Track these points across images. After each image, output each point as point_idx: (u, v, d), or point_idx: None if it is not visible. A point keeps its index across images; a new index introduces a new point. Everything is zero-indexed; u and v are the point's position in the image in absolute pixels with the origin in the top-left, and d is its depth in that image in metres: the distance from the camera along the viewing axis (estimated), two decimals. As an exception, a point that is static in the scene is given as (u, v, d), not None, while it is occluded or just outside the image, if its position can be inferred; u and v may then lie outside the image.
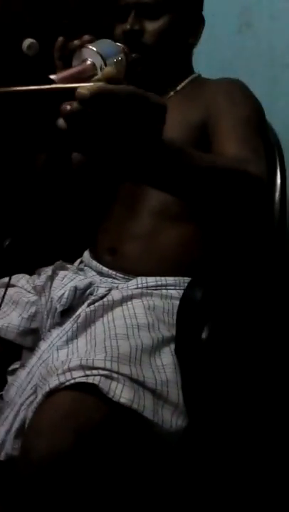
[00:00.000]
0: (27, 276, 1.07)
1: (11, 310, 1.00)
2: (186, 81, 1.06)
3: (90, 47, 0.76)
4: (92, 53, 0.75)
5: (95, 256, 1.08)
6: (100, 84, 0.48)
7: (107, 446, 0.77)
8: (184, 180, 0.64)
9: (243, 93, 1.00)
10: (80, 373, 0.77)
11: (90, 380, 0.76)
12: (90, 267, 1.07)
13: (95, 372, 0.78)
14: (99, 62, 0.74)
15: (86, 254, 1.12)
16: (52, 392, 0.78)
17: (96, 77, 0.72)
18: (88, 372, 0.77)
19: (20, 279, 1.06)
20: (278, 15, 1.24)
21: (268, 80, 1.26)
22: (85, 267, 1.09)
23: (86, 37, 0.79)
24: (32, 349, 0.97)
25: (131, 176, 0.57)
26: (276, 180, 1.07)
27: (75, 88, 0.48)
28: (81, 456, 0.73)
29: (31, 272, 1.10)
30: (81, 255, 1.15)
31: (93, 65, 0.74)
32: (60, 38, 0.84)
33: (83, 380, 0.76)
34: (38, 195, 1.10)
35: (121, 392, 0.77)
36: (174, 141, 0.60)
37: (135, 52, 0.96)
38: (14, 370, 0.98)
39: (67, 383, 0.77)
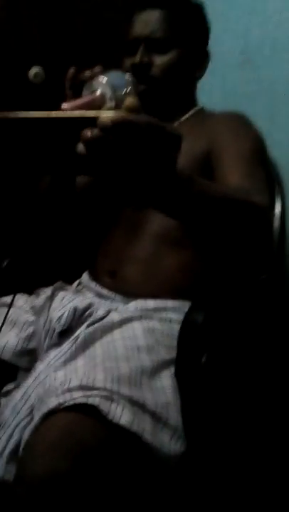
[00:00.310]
0: (25, 296, 1.07)
1: (8, 329, 0.99)
2: (190, 113, 1.09)
3: (101, 78, 0.79)
4: (102, 84, 0.77)
5: (95, 277, 1.08)
6: (121, 113, 0.50)
7: (105, 468, 0.75)
8: (192, 207, 0.65)
9: (246, 126, 1.02)
10: (80, 394, 0.77)
11: (90, 401, 0.75)
12: (89, 289, 1.07)
13: (95, 392, 0.77)
14: (109, 93, 0.76)
15: (85, 275, 1.12)
16: (51, 413, 0.76)
17: (114, 107, 0.74)
18: (88, 393, 0.77)
19: (19, 299, 1.05)
20: (279, 52, 1.29)
21: (268, 114, 1.30)
22: (84, 289, 1.09)
23: (97, 68, 0.82)
24: (28, 370, 0.96)
25: (142, 200, 0.58)
26: (276, 210, 1.09)
27: (96, 116, 0.50)
28: (78, 478, 0.72)
29: (29, 291, 1.09)
30: (79, 276, 1.15)
31: (103, 95, 0.76)
32: (72, 69, 0.86)
33: (83, 400, 0.76)
34: (39, 217, 1.11)
35: (121, 414, 0.76)
36: (184, 170, 0.61)
37: (143, 84, 1.00)
38: (8, 392, 0.97)
39: (67, 404, 0.76)
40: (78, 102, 0.71)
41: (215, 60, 1.11)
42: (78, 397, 0.76)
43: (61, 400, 0.76)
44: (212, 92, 1.15)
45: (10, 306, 0.94)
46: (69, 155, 0.52)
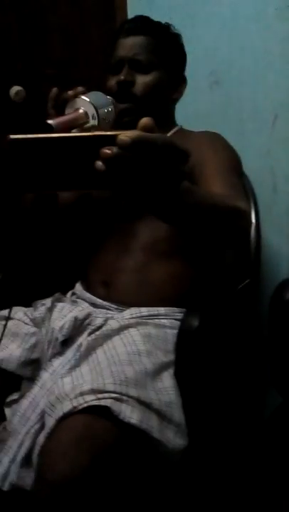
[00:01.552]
0: (24, 309, 1.11)
1: (10, 342, 1.03)
2: (171, 132, 1.17)
3: (84, 97, 0.84)
4: (85, 103, 0.83)
5: (88, 288, 1.14)
6: (138, 132, 0.55)
7: (119, 464, 0.82)
8: (190, 212, 0.70)
9: (223, 143, 1.12)
10: (92, 397, 0.83)
11: (102, 402, 0.82)
12: (84, 299, 1.13)
13: (106, 395, 0.83)
14: (91, 111, 0.82)
15: (78, 286, 1.18)
16: (65, 417, 0.82)
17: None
18: (100, 396, 0.83)
19: (17, 312, 1.09)
20: (245, 73, 1.40)
21: (237, 130, 1.40)
22: (78, 299, 1.15)
23: (80, 88, 0.87)
24: (31, 379, 1.01)
25: (151, 207, 0.62)
26: (252, 219, 1.19)
27: (113, 135, 0.54)
28: (97, 475, 0.78)
29: (25, 304, 1.14)
30: (70, 287, 1.21)
31: (86, 113, 0.82)
32: (55, 89, 0.92)
33: (95, 403, 0.82)
34: (25, 233, 1.15)
35: (131, 414, 0.82)
36: (185, 182, 0.68)
37: (126, 102, 1.07)
38: (12, 402, 1.01)
39: (80, 407, 0.82)
40: (62, 118, 0.76)
41: (188, 80, 1.20)
42: (91, 400, 0.82)
43: (75, 404, 0.82)
44: (186, 111, 1.23)
45: (7, 319, 0.99)
46: (86, 171, 0.55)
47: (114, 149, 0.53)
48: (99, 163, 0.54)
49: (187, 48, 1.20)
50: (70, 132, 0.79)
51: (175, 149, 0.57)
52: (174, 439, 0.88)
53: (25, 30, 1.48)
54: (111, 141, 0.53)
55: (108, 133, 0.54)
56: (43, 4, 1.52)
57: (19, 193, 0.99)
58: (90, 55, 1.58)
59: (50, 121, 0.76)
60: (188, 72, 1.20)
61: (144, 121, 0.56)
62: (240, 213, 0.87)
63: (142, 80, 1.09)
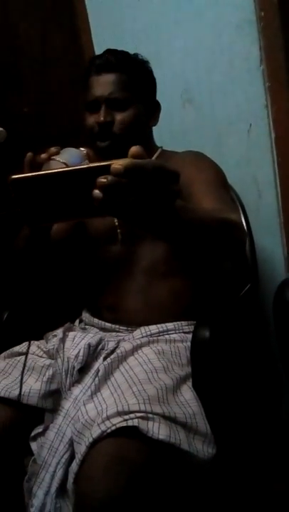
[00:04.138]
0: (36, 342, 1.13)
1: (28, 376, 1.05)
2: (155, 155, 1.22)
3: (57, 158, 0.87)
4: (59, 164, 0.86)
5: (95, 314, 1.17)
6: (130, 160, 0.58)
7: (153, 481, 0.84)
8: (186, 228, 0.74)
9: (206, 161, 1.17)
10: (119, 419, 0.85)
11: (130, 423, 0.84)
12: (92, 325, 1.16)
13: (132, 415, 0.85)
14: None
15: (85, 313, 1.21)
16: (95, 442, 0.84)
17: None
18: (126, 417, 0.85)
19: (31, 346, 1.11)
20: (215, 91, 1.46)
21: (215, 145, 1.46)
22: (87, 326, 1.18)
23: (52, 149, 0.89)
24: (53, 410, 1.02)
25: (148, 226, 0.66)
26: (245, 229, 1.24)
27: (107, 165, 0.58)
28: (134, 494, 0.79)
29: (34, 337, 1.16)
30: (77, 314, 1.23)
31: None
32: (29, 154, 0.94)
33: (123, 424, 0.84)
34: (25, 269, 1.18)
35: (158, 430, 0.85)
36: (178, 200, 0.71)
37: (107, 140, 1.11)
38: (37, 435, 1.02)
39: (109, 430, 0.84)
40: None
41: (160, 102, 1.24)
42: (118, 422, 0.84)
43: (103, 428, 0.84)
44: (161, 132, 1.28)
45: (27, 354, 1.01)
46: (85, 201, 0.59)
47: (110, 178, 0.57)
48: (96, 192, 0.58)
49: (156, 73, 1.24)
50: None
51: (165, 171, 0.61)
52: (202, 448, 0.90)
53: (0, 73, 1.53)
54: (105, 170, 0.57)
55: (102, 163, 0.58)
56: (17, 46, 1.57)
57: (25, 225, 1.02)
58: (61, 91, 1.62)
59: None
60: (160, 94, 1.25)
61: (134, 149, 0.60)
62: (234, 224, 0.91)
63: (120, 117, 1.12)
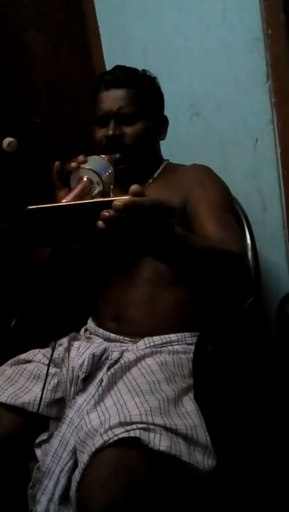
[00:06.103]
0: (42, 351, 1.16)
1: (33, 384, 1.08)
2: (161, 168, 1.25)
3: (86, 167, 0.90)
4: (88, 172, 0.90)
5: (100, 324, 1.20)
6: (129, 198, 0.66)
7: (153, 491, 0.86)
8: (185, 257, 0.79)
9: (212, 178, 1.19)
10: (121, 430, 0.87)
11: (132, 434, 0.86)
12: (97, 335, 1.18)
13: (134, 426, 0.87)
14: (95, 178, 0.89)
15: (90, 322, 1.24)
16: (97, 452, 0.86)
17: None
18: (128, 428, 0.87)
19: (37, 354, 1.14)
20: (222, 104, 1.48)
21: (221, 159, 1.48)
22: (92, 335, 1.20)
23: (81, 157, 0.93)
24: (58, 418, 1.05)
25: (148, 253, 0.74)
26: (247, 241, 1.26)
27: (110, 201, 0.66)
28: (135, 503, 0.82)
29: (39, 345, 1.18)
30: (82, 323, 1.26)
31: (90, 180, 0.89)
32: (57, 163, 0.97)
33: (125, 435, 0.86)
34: (43, 281, 1.21)
35: (159, 441, 0.87)
36: (179, 229, 0.76)
37: (118, 152, 1.15)
38: (41, 442, 1.05)
39: (111, 440, 0.86)
40: (73, 192, 0.84)
41: (168, 115, 1.28)
42: (120, 432, 0.86)
43: (105, 438, 0.86)
44: (168, 144, 1.30)
45: (50, 359, 1.04)
46: (90, 229, 0.67)
47: (111, 212, 0.65)
48: (100, 223, 0.66)
49: (165, 86, 1.28)
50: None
51: (162, 207, 0.68)
52: (202, 460, 0.92)
53: (12, 84, 1.55)
54: (108, 205, 0.66)
55: (105, 199, 0.67)
56: (29, 57, 1.60)
57: (39, 247, 1.09)
58: (72, 102, 1.66)
59: (64, 200, 0.83)
60: (168, 108, 1.28)
61: (134, 188, 0.67)
62: (235, 258, 0.95)
63: (129, 131, 1.16)
